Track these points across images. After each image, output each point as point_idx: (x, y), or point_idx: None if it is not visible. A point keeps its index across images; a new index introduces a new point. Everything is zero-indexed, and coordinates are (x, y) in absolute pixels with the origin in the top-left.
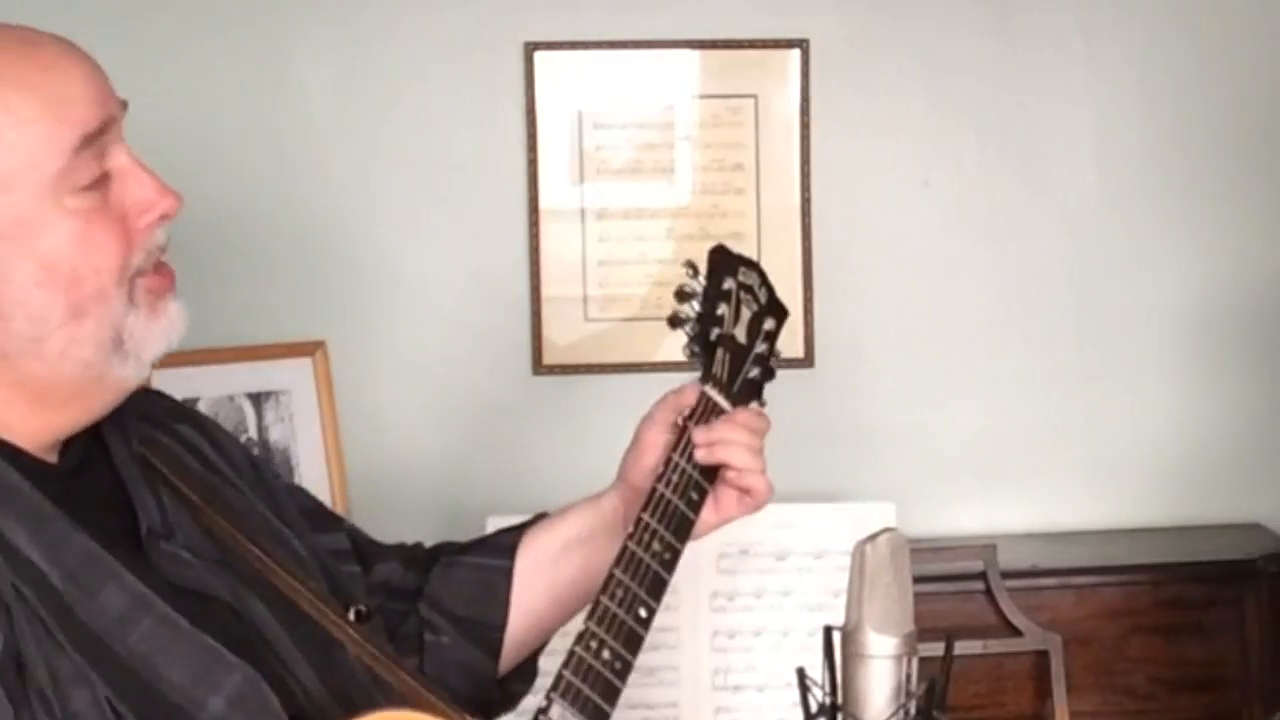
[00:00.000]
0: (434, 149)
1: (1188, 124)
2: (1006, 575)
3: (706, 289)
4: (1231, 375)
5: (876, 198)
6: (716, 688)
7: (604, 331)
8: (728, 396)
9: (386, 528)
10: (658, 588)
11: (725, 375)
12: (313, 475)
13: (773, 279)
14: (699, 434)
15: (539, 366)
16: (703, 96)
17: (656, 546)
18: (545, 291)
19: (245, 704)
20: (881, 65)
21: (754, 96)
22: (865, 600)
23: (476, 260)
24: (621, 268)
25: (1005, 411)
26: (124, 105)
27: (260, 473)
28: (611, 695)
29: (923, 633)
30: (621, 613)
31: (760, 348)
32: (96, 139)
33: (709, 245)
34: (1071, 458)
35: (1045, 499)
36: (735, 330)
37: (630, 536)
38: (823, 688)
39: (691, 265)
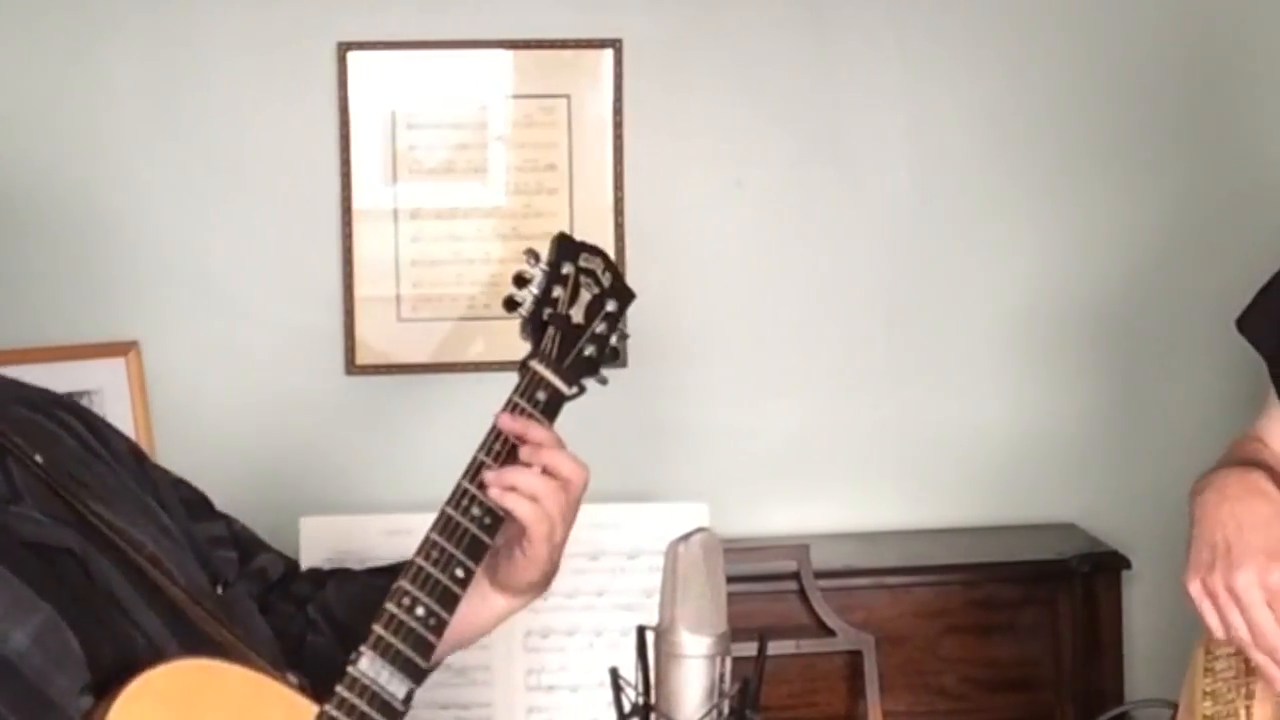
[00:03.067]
0: (247, 149)
1: (1002, 122)
2: (820, 575)
3: (546, 271)
4: (1046, 376)
5: (689, 198)
6: (529, 688)
7: (417, 331)
8: (556, 371)
9: None
10: (476, 549)
11: (555, 352)
12: None
13: None
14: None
15: (352, 366)
16: (516, 96)
17: (476, 511)
18: (358, 291)
19: (46, 643)
20: (694, 65)
21: (567, 96)
22: (678, 600)
23: (289, 260)
24: (435, 268)
25: (819, 412)
26: None
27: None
28: (424, 649)
29: (736, 633)
30: (437, 572)
31: (599, 327)
32: None
33: (523, 246)
34: (885, 458)
35: (859, 499)
36: (571, 311)
37: (449, 502)
38: (636, 688)
39: (532, 253)
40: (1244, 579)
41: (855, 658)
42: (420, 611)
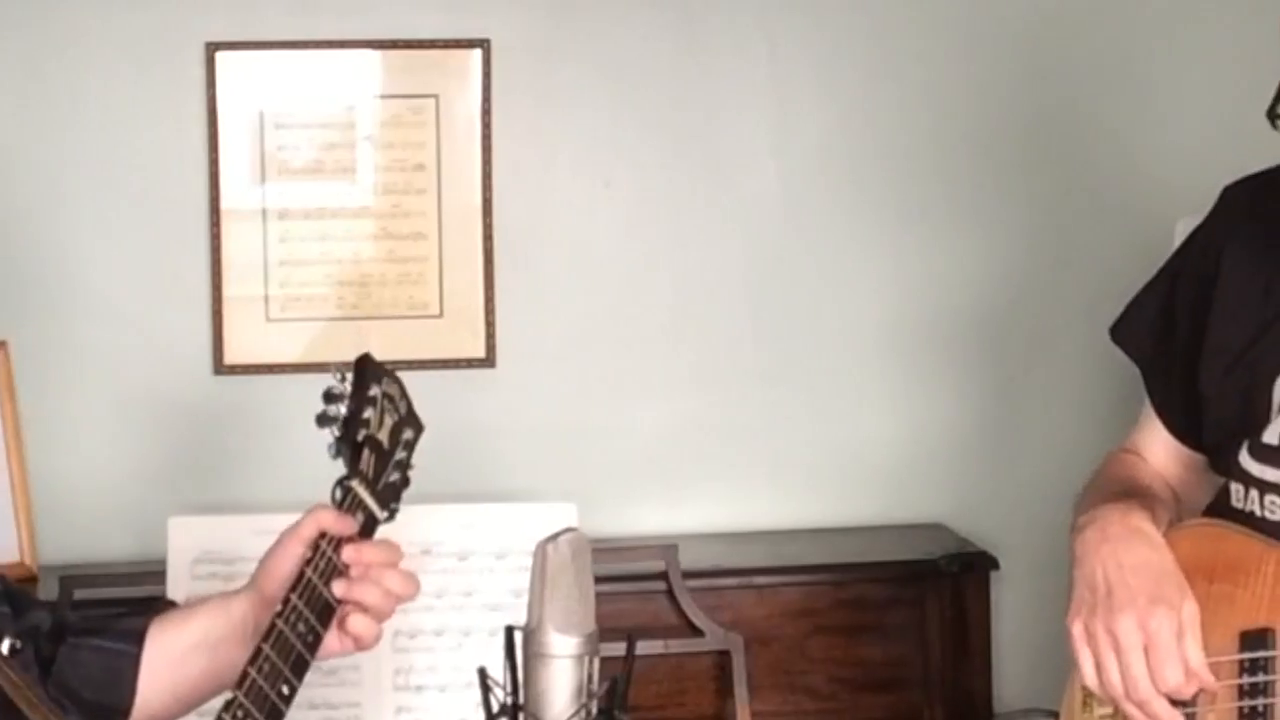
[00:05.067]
0: (115, 149)
1: (869, 128)
2: (688, 575)
3: (354, 392)
4: (914, 376)
5: (558, 198)
6: (398, 688)
7: (285, 332)
8: (374, 494)
9: (69, 530)
10: (300, 667)
11: (371, 473)
12: None
13: (454, 279)
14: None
15: (220, 367)
16: (384, 96)
17: (301, 628)
18: (226, 292)
19: None
20: (563, 66)
21: (435, 96)
22: (547, 600)
23: (158, 261)
24: (303, 268)
25: (687, 412)
26: None
27: None
28: None
29: (604, 633)
30: (266, 687)
31: (400, 455)
32: None
33: (392, 245)
34: (753, 458)
35: (727, 499)
36: (379, 434)
37: (279, 615)
38: (504, 688)
39: (340, 370)
40: (1125, 623)
41: (723, 658)
42: None
